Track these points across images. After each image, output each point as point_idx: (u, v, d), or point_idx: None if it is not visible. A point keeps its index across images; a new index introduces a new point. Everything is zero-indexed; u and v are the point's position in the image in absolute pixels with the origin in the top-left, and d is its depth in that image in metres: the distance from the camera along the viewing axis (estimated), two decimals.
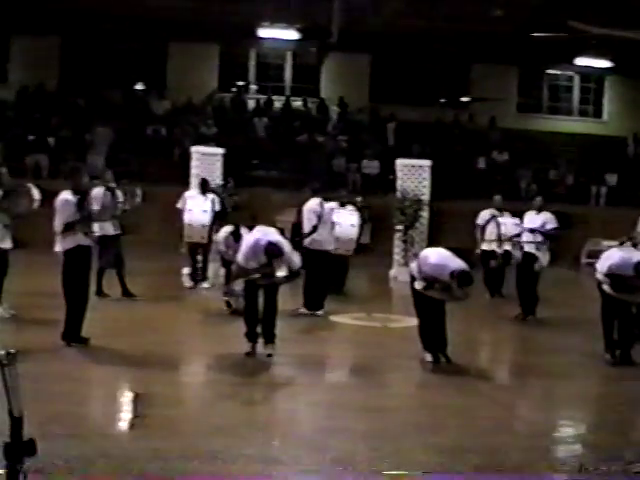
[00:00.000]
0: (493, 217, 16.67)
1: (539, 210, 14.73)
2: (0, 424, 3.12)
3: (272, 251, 9.87)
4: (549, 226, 14.40)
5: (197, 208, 15.93)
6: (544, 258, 14.33)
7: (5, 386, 2.86)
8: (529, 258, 14.21)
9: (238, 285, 11.96)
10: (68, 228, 10.04)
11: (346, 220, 15.77)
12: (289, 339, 11.07)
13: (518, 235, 14.97)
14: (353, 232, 15.89)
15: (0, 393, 2.91)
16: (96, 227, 11.59)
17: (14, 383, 2.88)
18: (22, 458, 2.90)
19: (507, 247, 15.86)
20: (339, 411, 8.09)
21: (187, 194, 16.65)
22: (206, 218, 15.80)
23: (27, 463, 2.93)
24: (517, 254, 14.74)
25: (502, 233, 16.04)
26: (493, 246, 16.25)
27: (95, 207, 10.85)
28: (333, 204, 15.11)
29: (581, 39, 25.12)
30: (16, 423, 2.91)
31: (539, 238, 14.30)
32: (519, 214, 15.60)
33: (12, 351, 2.86)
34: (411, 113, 28.89)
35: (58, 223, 10.12)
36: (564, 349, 11.81)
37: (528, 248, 14.29)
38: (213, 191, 16.62)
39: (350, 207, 16.29)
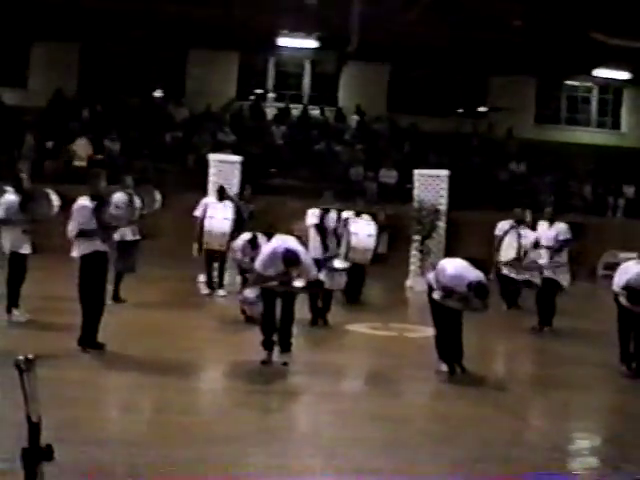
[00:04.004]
0: (513, 227, 16.13)
1: (550, 221, 14.62)
2: (18, 429, 3.14)
3: (289, 258, 9.87)
4: (562, 237, 14.27)
5: (218, 215, 15.79)
6: (565, 280, 14.19)
7: (23, 391, 2.87)
8: (549, 283, 14.10)
9: (252, 292, 11.95)
10: (82, 234, 10.05)
11: (363, 230, 15.31)
12: (305, 348, 11.09)
13: (536, 245, 14.70)
14: (370, 242, 15.31)
15: (18, 398, 2.93)
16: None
17: (32, 388, 2.89)
18: (39, 463, 2.91)
19: (527, 276, 15.22)
20: (354, 420, 8.09)
21: (207, 201, 16.52)
22: (226, 226, 15.61)
23: (44, 468, 2.94)
24: (537, 281, 14.48)
25: (522, 243, 15.37)
26: (512, 274, 15.82)
27: (113, 213, 10.82)
28: (348, 213, 15.16)
29: (600, 50, 25.05)
30: (34, 428, 2.92)
31: (557, 257, 14.13)
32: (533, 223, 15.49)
33: (30, 357, 2.87)
34: (429, 123, 28.86)
35: (71, 228, 10.13)
36: (580, 361, 11.77)
37: (547, 273, 14.12)
38: (231, 199, 16.63)
39: (367, 217, 16.16)
